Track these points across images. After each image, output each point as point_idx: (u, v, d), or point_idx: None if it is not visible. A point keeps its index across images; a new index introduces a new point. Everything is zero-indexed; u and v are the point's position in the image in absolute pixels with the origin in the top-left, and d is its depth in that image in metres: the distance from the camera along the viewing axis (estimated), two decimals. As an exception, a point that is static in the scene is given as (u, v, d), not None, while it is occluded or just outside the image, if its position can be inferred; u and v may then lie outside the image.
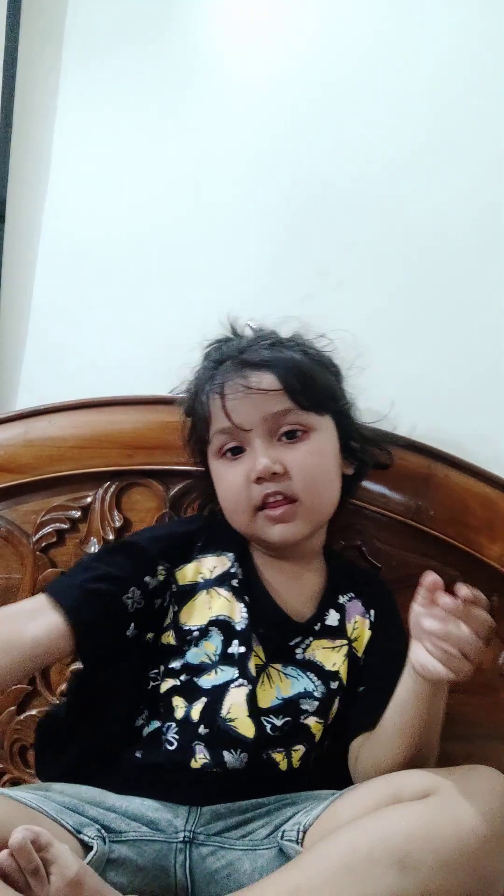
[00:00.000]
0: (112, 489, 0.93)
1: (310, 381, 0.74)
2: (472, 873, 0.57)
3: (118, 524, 0.92)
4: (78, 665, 0.90)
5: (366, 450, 0.82)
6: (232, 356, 0.77)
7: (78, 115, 1.09)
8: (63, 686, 0.90)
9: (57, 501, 0.93)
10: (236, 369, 0.75)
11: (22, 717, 0.91)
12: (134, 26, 1.09)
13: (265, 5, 1.06)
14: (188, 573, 0.76)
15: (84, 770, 0.72)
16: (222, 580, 0.76)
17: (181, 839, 0.67)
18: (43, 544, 0.92)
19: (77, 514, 0.92)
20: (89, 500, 0.93)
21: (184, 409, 0.81)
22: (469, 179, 1.01)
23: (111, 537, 0.91)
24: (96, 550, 0.88)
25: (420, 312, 1.00)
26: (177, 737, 0.72)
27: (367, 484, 0.90)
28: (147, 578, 0.74)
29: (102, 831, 0.64)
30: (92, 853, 0.62)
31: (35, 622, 0.68)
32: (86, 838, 0.63)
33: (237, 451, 0.75)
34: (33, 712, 0.91)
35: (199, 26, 1.08)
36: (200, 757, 0.71)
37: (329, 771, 0.74)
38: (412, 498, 0.89)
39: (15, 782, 0.89)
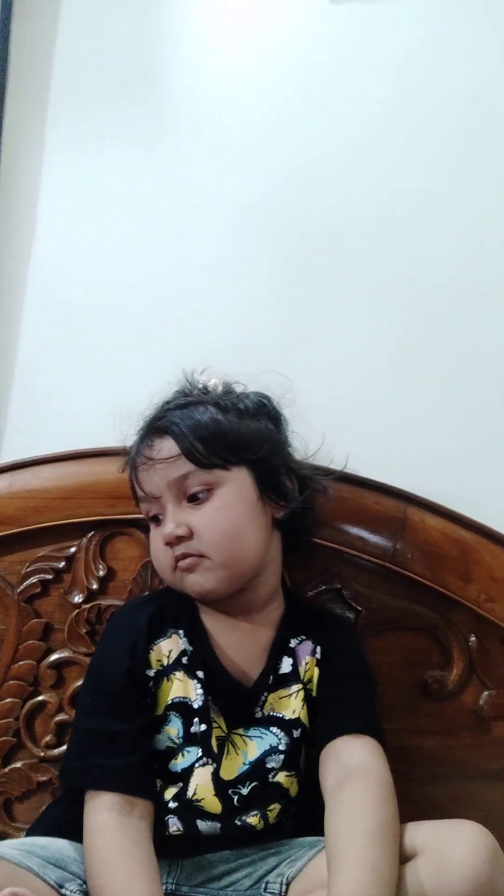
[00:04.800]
0: (95, 539, 0.94)
1: (212, 439, 0.76)
2: None
3: (102, 573, 0.93)
4: (63, 717, 0.91)
5: (302, 488, 0.83)
6: (146, 425, 0.81)
7: (63, 172, 1.14)
8: (48, 737, 0.91)
9: (41, 552, 0.94)
10: (145, 438, 0.80)
11: (7, 769, 0.91)
12: (118, 84, 1.14)
13: (245, 63, 1.11)
14: (152, 663, 0.76)
15: (68, 826, 0.72)
16: (177, 663, 0.77)
17: (163, 891, 0.67)
18: (27, 595, 0.93)
19: (61, 564, 0.94)
20: (73, 550, 0.94)
21: None
22: (452, 231, 1.05)
23: (95, 587, 0.93)
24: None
25: (400, 362, 1.03)
26: None
27: (346, 527, 0.93)
28: (150, 683, 0.75)
29: (85, 885, 0.65)
30: (73, 909, 0.62)
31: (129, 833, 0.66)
32: (68, 893, 0.63)
33: (158, 518, 0.79)
34: (18, 765, 0.91)
35: (183, 82, 1.13)
36: (174, 829, 0.71)
37: (310, 817, 0.74)
38: (389, 541, 0.91)
39: (0, 836, 0.89)
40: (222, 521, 0.75)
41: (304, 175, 1.09)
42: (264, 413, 0.84)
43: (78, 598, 0.93)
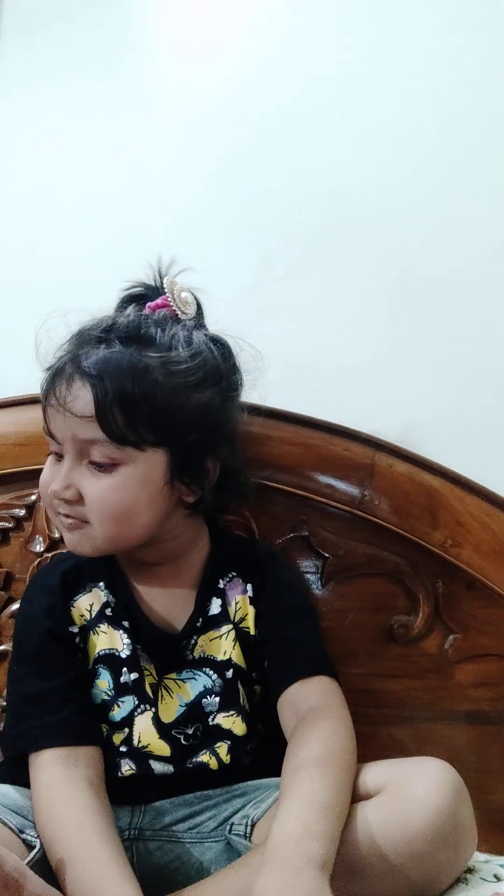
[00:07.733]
0: (57, 486, 0.92)
1: (137, 410, 0.66)
2: (419, 872, 0.58)
3: (64, 522, 0.91)
4: (6, 646, 0.89)
5: (227, 473, 0.76)
6: (71, 351, 0.70)
7: (13, 91, 1.07)
8: (11, 687, 0.89)
9: (1, 500, 0.92)
10: (64, 373, 0.69)
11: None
12: (75, 5, 1.07)
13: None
14: (76, 619, 0.74)
15: (22, 778, 0.70)
16: (101, 616, 0.75)
17: (126, 837, 0.67)
18: (-13, 544, 0.91)
19: (22, 512, 0.91)
20: (34, 497, 0.91)
21: None
22: (413, 171, 1.02)
23: (57, 535, 0.90)
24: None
25: (365, 304, 1.01)
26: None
27: (315, 475, 0.91)
28: (76, 639, 0.74)
29: (45, 832, 0.64)
30: (35, 852, 0.61)
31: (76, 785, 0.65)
32: (29, 838, 0.62)
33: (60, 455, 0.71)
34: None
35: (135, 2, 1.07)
36: (127, 769, 0.71)
37: (272, 754, 0.73)
38: (357, 488, 0.90)
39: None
40: (115, 503, 0.68)
41: (267, 106, 1.04)
42: (214, 382, 0.72)
43: (40, 547, 0.91)
